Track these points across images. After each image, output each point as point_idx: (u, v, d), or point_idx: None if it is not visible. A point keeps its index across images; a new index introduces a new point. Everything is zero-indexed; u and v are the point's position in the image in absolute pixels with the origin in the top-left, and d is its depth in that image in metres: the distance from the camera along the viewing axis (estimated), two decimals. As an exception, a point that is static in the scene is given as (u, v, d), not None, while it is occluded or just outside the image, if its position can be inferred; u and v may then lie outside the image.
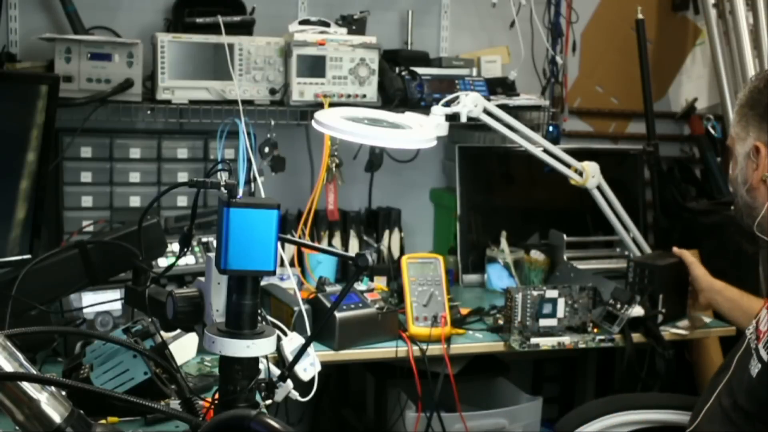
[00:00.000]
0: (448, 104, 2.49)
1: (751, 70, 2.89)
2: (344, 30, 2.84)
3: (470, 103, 2.51)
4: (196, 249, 2.51)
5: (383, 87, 2.83)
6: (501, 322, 2.51)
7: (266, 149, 2.77)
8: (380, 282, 2.76)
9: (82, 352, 1.84)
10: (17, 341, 1.12)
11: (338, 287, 2.42)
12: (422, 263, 2.51)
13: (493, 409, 2.68)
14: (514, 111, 2.87)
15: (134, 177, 2.76)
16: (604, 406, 2.27)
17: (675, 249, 2.54)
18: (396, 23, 3.18)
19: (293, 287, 2.41)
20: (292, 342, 1.89)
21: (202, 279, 1.48)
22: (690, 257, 2.52)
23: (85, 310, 2.17)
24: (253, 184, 2.71)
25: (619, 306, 2.51)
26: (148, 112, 2.74)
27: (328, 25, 2.84)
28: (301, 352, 1.50)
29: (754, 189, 1.75)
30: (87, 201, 2.71)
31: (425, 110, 2.53)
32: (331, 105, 2.69)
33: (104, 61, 2.59)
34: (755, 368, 1.66)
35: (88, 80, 2.57)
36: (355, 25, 2.89)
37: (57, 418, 1.08)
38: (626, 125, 3.57)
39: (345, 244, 2.95)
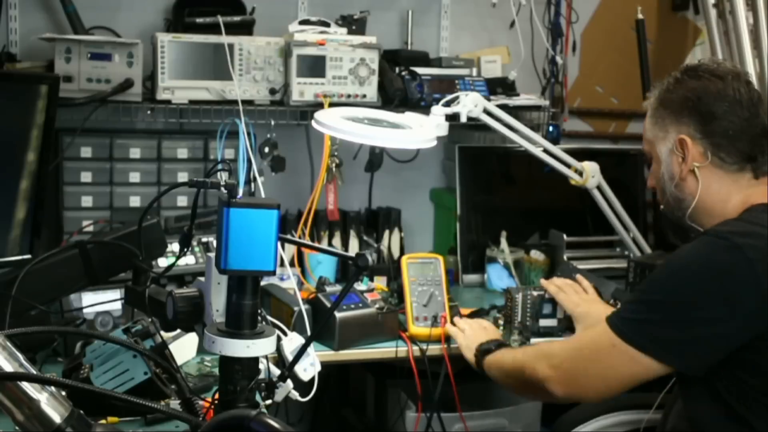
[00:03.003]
0: (448, 104, 2.49)
1: (751, 70, 2.89)
2: (344, 30, 2.84)
3: (470, 103, 2.51)
4: (196, 249, 2.51)
5: (383, 87, 2.83)
6: (501, 322, 2.51)
7: (266, 149, 2.77)
8: (380, 282, 2.76)
9: (82, 352, 1.84)
10: (17, 341, 1.12)
11: (338, 287, 2.42)
12: (422, 263, 2.51)
13: (493, 409, 2.67)
14: (514, 111, 2.87)
15: (134, 177, 2.75)
16: (602, 405, 2.28)
17: (543, 282, 2.46)
18: (396, 23, 3.18)
19: (293, 287, 2.42)
20: (292, 342, 1.90)
21: (202, 279, 1.48)
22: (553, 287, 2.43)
23: (85, 310, 2.17)
24: (253, 184, 2.71)
25: (619, 306, 2.51)
26: (148, 112, 2.74)
27: (328, 25, 2.84)
28: (301, 352, 1.50)
29: (682, 181, 1.82)
30: (87, 201, 2.71)
31: (425, 110, 2.53)
32: (331, 105, 2.69)
33: (104, 61, 2.59)
34: None
35: (88, 80, 2.57)
36: (355, 25, 2.89)
37: (57, 418, 1.08)
38: (626, 125, 3.57)
39: (345, 244, 2.95)
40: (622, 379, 1.73)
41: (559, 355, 1.83)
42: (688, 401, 1.77)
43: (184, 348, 2.12)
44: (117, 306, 2.16)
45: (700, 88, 1.80)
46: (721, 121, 1.77)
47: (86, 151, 2.71)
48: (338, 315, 2.31)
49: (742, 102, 1.77)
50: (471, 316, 2.59)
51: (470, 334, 2.23)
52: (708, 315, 1.64)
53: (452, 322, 2.35)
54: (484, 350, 2.12)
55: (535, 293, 2.46)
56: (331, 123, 2.23)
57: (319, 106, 2.68)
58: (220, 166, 2.20)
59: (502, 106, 2.68)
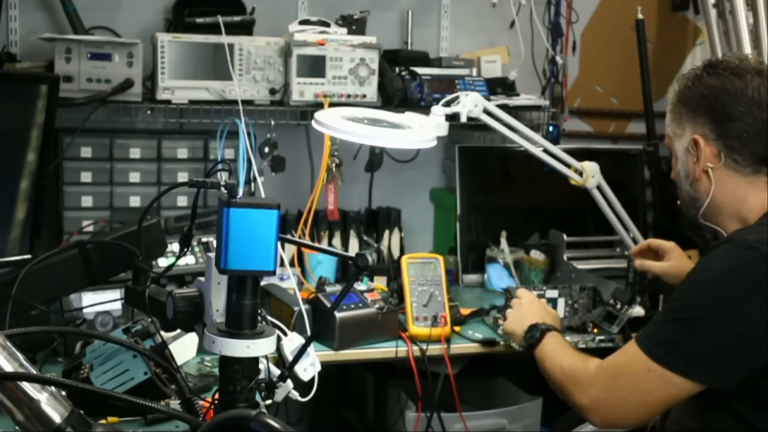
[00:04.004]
0: (448, 104, 2.49)
1: (751, 70, 2.88)
2: (344, 30, 2.84)
3: (470, 103, 2.50)
4: (196, 249, 2.51)
5: (383, 87, 2.83)
6: (501, 322, 2.51)
7: (266, 149, 2.77)
8: (380, 282, 2.76)
9: (82, 352, 1.84)
10: (17, 341, 1.12)
11: (338, 287, 2.42)
12: (422, 263, 2.51)
13: (493, 409, 2.68)
14: (514, 111, 2.87)
15: (134, 177, 2.76)
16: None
17: (637, 262, 2.31)
18: (396, 23, 3.18)
19: (293, 287, 2.42)
20: (292, 342, 1.90)
21: (202, 279, 1.48)
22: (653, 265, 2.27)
23: (85, 310, 2.17)
24: (253, 184, 2.71)
25: (619, 306, 2.51)
26: (148, 112, 2.74)
27: (328, 25, 2.84)
28: (301, 352, 1.50)
29: (696, 180, 1.80)
30: (87, 201, 2.71)
31: (425, 110, 2.53)
32: (331, 105, 2.69)
33: (104, 61, 2.59)
34: None
35: (88, 80, 2.57)
36: (355, 25, 2.89)
37: (57, 418, 1.08)
38: (626, 125, 3.57)
39: (345, 244, 2.95)
40: (661, 403, 1.69)
41: (596, 384, 1.76)
42: (705, 418, 1.73)
43: (184, 348, 2.12)
44: (117, 306, 2.16)
45: (718, 86, 1.75)
46: (736, 122, 1.73)
47: (86, 151, 2.71)
48: (338, 315, 2.31)
49: (761, 102, 1.72)
50: (471, 316, 2.60)
51: (511, 320, 2.17)
52: (744, 329, 1.60)
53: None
54: (529, 345, 2.03)
55: (535, 293, 2.45)
56: (331, 123, 2.22)
57: (319, 106, 2.68)
58: (220, 166, 2.20)
59: (502, 106, 2.68)
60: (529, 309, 2.15)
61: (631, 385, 1.69)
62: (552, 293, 2.48)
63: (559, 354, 1.92)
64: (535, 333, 2.01)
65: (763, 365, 1.62)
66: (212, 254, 1.36)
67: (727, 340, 1.61)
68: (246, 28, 2.79)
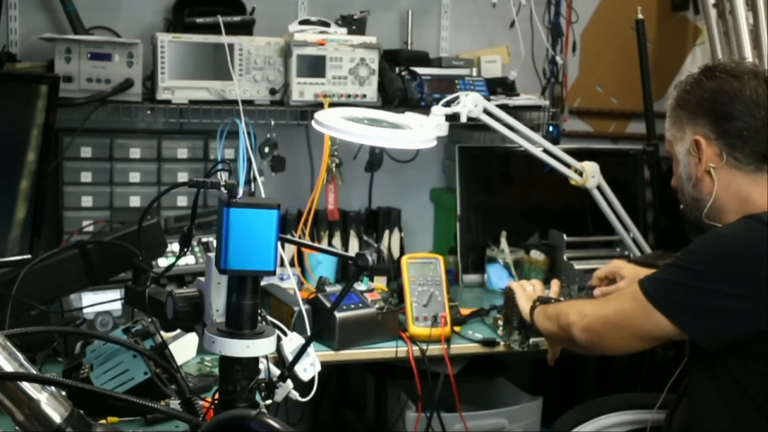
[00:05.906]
0: (448, 104, 2.49)
1: (752, 70, 2.88)
2: (344, 30, 2.84)
3: (470, 103, 2.51)
4: (196, 249, 2.51)
5: (383, 87, 2.83)
6: (500, 322, 2.51)
7: (266, 149, 2.77)
8: (380, 282, 2.76)
9: (82, 352, 1.84)
10: (17, 341, 1.12)
11: (338, 287, 2.42)
12: (422, 263, 2.52)
13: (493, 409, 2.68)
14: (514, 111, 2.87)
15: (134, 177, 2.76)
16: (602, 405, 2.28)
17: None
18: (396, 23, 3.18)
19: (293, 287, 2.42)
20: (292, 342, 1.90)
21: (202, 279, 1.48)
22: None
23: (85, 310, 2.17)
24: (253, 184, 2.71)
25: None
26: (148, 112, 2.74)
27: (328, 25, 2.84)
28: (301, 352, 1.50)
29: (699, 182, 1.83)
30: (87, 201, 2.71)
31: (425, 110, 2.53)
32: (331, 105, 2.69)
33: (104, 61, 2.59)
34: None
35: (88, 80, 2.57)
36: (355, 25, 2.89)
37: (57, 418, 1.08)
38: (626, 125, 3.56)
39: (345, 244, 2.95)
40: (634, 333, 1.78)
41: (591, 304, 1.91)
42: (697, 381, 1.77)
43: (184, 348, 2.12)
44: (117, 306, 2.16)
45: (716, 88, 1.79)
46: (736, 121, 1.76)
47: (86, 151, 2.71)
48: (338, 315, 2.31)
49: (759, 102, 1.76)
50: (471, 316, 2.60)
51: (531, 291, 2.28)
52: (734, 291, 1.66)
53: (510, 287, 2.38)
54: (543, 300, 2.17)
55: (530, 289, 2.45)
56: (331, 123, 2.23)
57: (319, 106, 2.68)
58: (220, 166, 2.20)
59: (502, 106, 2.68)
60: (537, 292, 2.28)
61: (616, 307, 1.81)
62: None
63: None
64: (551, 299, 2.17)
65: (753, 339, 1.65)
66: (212, 254, 1.36)
67: (713, 295, 1.67)
68: (246, 28, 2.79)
